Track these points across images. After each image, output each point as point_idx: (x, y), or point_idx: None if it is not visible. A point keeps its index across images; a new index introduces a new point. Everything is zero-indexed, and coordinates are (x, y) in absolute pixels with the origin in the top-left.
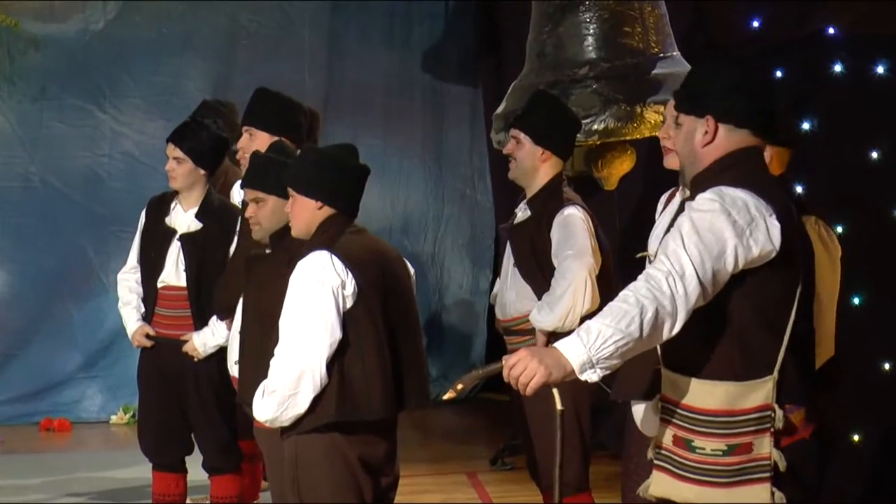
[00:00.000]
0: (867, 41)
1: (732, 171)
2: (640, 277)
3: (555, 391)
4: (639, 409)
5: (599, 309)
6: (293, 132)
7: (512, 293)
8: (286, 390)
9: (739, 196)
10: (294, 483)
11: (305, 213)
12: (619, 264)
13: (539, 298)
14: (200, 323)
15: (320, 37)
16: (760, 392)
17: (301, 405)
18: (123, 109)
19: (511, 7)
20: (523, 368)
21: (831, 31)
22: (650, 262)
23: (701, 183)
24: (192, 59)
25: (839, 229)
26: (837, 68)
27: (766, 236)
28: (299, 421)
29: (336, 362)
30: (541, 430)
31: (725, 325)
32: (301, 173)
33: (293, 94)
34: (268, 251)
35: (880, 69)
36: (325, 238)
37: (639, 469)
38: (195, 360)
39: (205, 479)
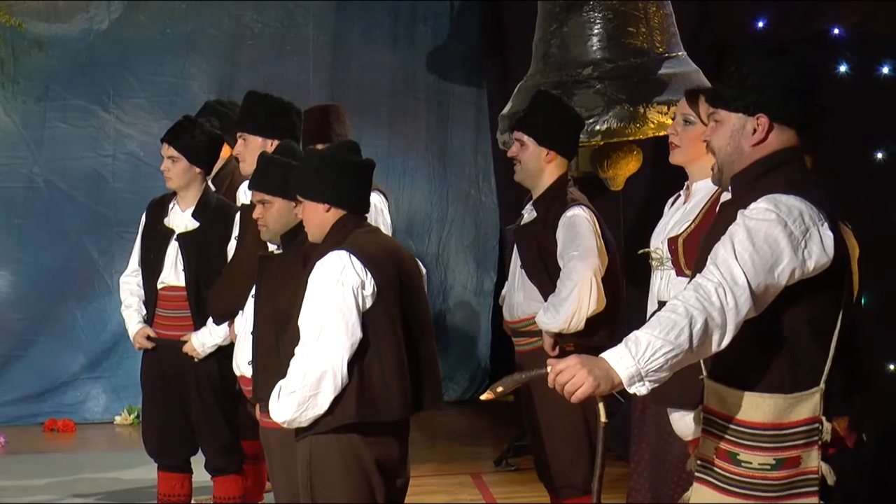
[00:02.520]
0: (873, 41)
1: (778, 172)
2: (689, 287)
3: (600, 405)
4: (676, 417)
5: (606, 310)
6: (285, 133)
7: (519, 295)
8: (307, 391)
9: (795, 205)
10: (308, 484)
11: (316, 217)
12: (625, 266)
13: (545, 300)
14: (200, 323)
15: (325, 36)
16: (808, 404)
17: (321, 406)
18: (127, 110)
19: (516, 7)
20: (571, 376)
21: (837, 31)
22: (651, 259)
23: (743, 183)
24: (196, 59)
25: None
26: (843, 68)
27: (820, 248)
28: (317, 422)
29: (356, 363)
30: (550, 432)
31: (775, 337)
32: (305, 178)
33: (297, 94)
34: (277, 251)
35: (885, 69)
36: (340, 238)
37: (639, 468)
38: (195, 360)
39: (209, 480)
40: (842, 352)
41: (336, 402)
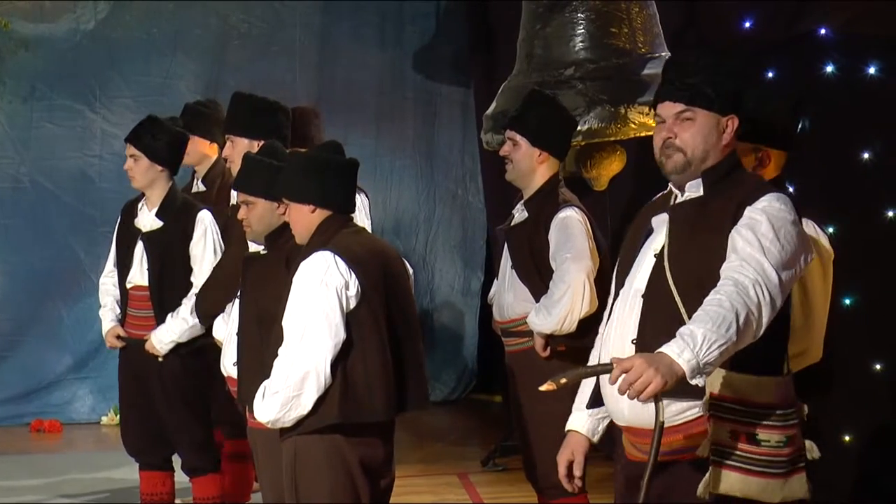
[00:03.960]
0: (859, 42)
1: (742, 171)
2: (727, 282)
3: (661, 403)
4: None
5: (598, 311)
6: (272, 133)
7: (510, 295)
8: (290, 391)
9: (792, 204)
10: (292, 484)
11: (302, 218)
12: (610, 265)
13: (537, 300)
14: (162, 322)
15: (312, 36)
16: (793, 385)
17: (305, 406)
18: (114, 110)
19: (503, 7)
20: (639, 375)
21: (823, 31)
22: None
23: (713, 180)
24: (182, 59)
25: (830, 230)
26: (829, 69)
27: (812, 245)
28: (301, 422)
29: (339, 363)
30: (539, 432)
31: (778, 324)
32: (290, 180)
33: (284, 94)
34: (263, 251)
35: (872, 70)
36: (325, 239)
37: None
38: (158, 359)
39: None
40: None
41: (319, 402)
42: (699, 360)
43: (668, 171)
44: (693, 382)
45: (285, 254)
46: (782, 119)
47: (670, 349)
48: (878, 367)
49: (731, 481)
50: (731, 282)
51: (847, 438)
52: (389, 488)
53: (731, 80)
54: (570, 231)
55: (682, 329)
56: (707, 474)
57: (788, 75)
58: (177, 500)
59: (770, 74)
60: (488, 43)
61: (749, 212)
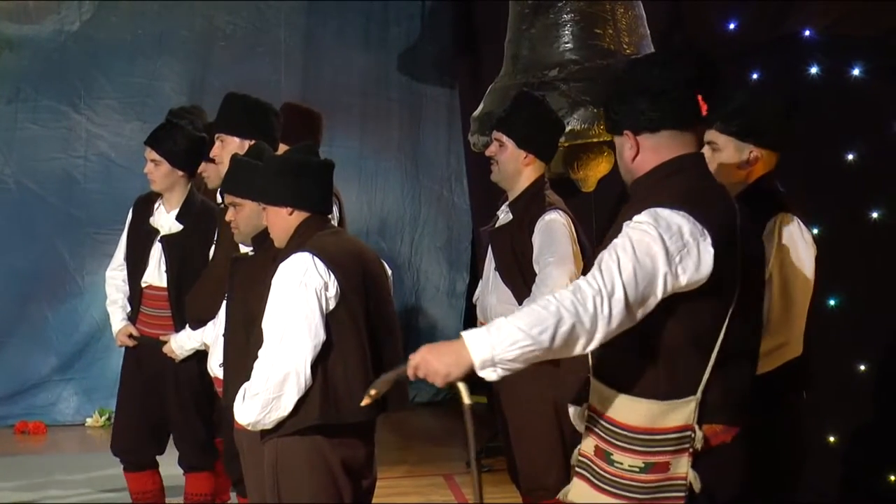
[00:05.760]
0: (843, 43)
1: (669, 183)
2: (570, 287)
3: (461, 385)
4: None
5: None
6: (263, 134)
7: (493, 297)
8: (270, 393)
9: (675, 220)
10: (274, 486)
11: (279, 221)
12: None
13: (519, 303)
14: (181, 324)
15: (296, 37)
16: (682, 412)
17: (285, 408)
18: (99, 111)
19: (488, 7)
20: (426, 369)
21: (808, 32)
22: None
23: (638, 190)
24: (167, 60)
25: (815, 230)
26: (814, 70)
27: (695, 265)
28: (281, 424)
29: (319, 365)
30: (523, 435)
31: (654, 345)
32: (265, 184)
33: (269, 95)
34: (250, 253)
35: (856, 71)
36: (303, 240)
37: None
38: (175, 360)
39: (180, 480)
40: (730, 362)
41: (300, 403)
42: (494, 353)
43: None
44: (482, 374)
45: (273, 255)
46: (775, 119)
47: (470, 336)
48: (862, 367)
49: (583, 494)
50: (573, 287)
51: (832, 439)
52: (371, 489)
53: (614, 98)
54: (554, 235)
55: (497, 319)
56: (570, 484)
57: (773, 76)
58: (168, 500)
59: (755, 76)
60: (473, 44)
61: (623, 226)
